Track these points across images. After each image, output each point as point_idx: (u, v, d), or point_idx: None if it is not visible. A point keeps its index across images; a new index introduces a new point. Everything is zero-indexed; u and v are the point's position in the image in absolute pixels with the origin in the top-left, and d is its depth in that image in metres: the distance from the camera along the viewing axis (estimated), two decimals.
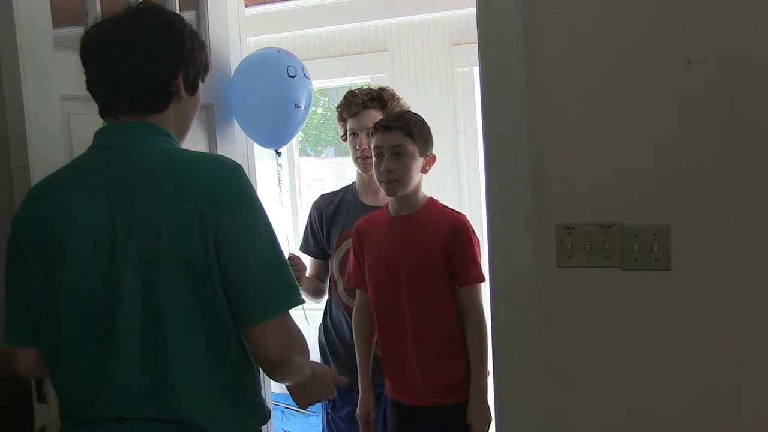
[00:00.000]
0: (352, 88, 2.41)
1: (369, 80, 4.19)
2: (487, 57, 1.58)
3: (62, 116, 1.59)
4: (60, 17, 1.63)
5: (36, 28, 1.53)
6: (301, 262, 2.37)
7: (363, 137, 2.30)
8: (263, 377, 1.45)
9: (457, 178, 3.99)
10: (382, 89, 2.38)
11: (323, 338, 2.44)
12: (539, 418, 1.61)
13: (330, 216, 2.41)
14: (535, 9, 1.52)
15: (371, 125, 2.25)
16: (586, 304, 1.56)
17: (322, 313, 2.47)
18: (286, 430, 4.22)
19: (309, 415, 4.35)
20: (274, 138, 2.30)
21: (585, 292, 1.56)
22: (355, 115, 2.33)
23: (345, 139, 2.42)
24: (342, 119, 2.41)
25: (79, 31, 1.76)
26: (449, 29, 4.06)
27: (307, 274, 2.43)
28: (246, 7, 2.43)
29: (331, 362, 2.39)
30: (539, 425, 1.61)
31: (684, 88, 1.45)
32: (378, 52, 4.29)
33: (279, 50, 2.31)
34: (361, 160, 2.32)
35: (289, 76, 2.21)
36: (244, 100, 2.20)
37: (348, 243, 2.31)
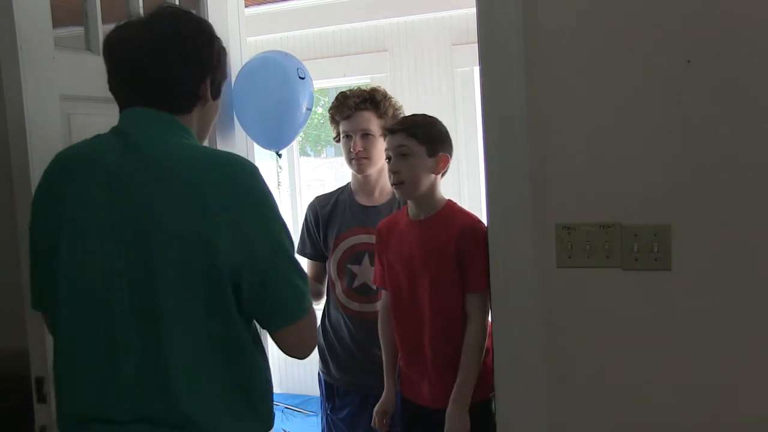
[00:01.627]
0: (344, 90, 2.40)
1: (369, 80, 4.19)
2: (487, 57, 1.57)
3: (62, 116, 1.59)
4: (60, 17, 1.63)
5: (36, 28, 1.53)
6: None
7: (357, 139, 2.28)
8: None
9: (457, 178, 3.99)
10: (374, 90, 2.36)
11: (322, 340, 2.43)
12: (539, 418, 1.61)
13: (326, 217, 2.40)
14: (535, 9, 1.52)
15: (365, 127, 2.25)
16: (586, 304, 1.56)
17: (320, 314, 2.48)
18: (286, 430, 4.22)
19: (309, 415, 4.36)
20: (277, 140, 2.31)
21: (585, 292, 1.56)
22: (348, 117, 2.32)
23: (338, 141, 2.41)
24: (335, 121, 2.39)
25: (79, 31, 1.76)
26: (449, 29, 4.06)
27: None
28: (246, 7, 2.43)
29: (330, 364, 2.39)
30: (539, 425, 1.61)
31: (684, 88, 1.45)
32: (378, 52, 4.29)
33: (283, 53, 2.32)
34: (356, 161, 2.30)
35: (300, 78, 2.23)
36: (253, 103, 2.20)
37: (345, 243, 2.30)
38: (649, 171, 1.49)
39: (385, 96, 2.34)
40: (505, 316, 1.61)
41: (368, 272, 2.26)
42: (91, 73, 1.72)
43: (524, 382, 1.61)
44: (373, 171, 2.33)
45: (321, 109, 5.53)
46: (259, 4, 4.23)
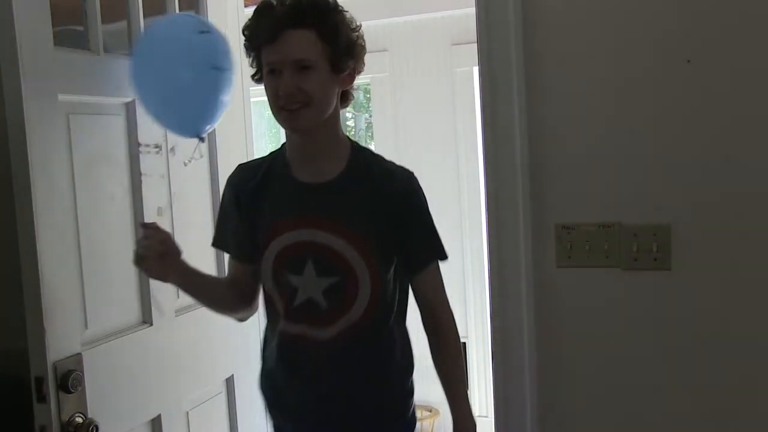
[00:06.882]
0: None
1: (369, 80, 4.19)
2: (486, 57, 1.57)
3: (62, 116, 1.59)
4: (60, 16, 1.63)
5: (36, 27, 1.53)
6: (164, 235, 1.51)
7: (287, 74, 1.42)
8: None
9: (456, 178, 3.99)
10: None
11: (266, 384, 1.68)
12: (537, 418, 1.61)
13: (250, 198, 1.58)
14: (535, 8, 1.52)
15: (298, 54, 1.41)
16: (586, 304, 1.56)
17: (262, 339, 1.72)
18: None
19: None
20: (193, 119, 1.69)
21: (585, 292, 1.56)
22: (273, 40, 1.43)
23: (260, 80, 1.50)
24: (253, 49, 1.49)
25: (79, 30, 1.76)
26: (449, 29, 4.05)
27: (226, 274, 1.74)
28: (246, 6, 2.42)
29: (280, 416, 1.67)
30: (538, 427, 1.61)
31: (684, 88, 1.45)
32: (378, 52, 4.28)
33: (188, 14, 1.89)
34: (285, 111, 1.45)
35: (201, 32, 1.66)
36: (145, 77, 1.64)
37: (278, 242, 1.53)
38: (649, 171, 1.49)
39: (334, 7, 1.50)
40: (504, 315, 1.61)
41: (312, 284, 1.52)
42: (91, 73, 1.72)
43: (522, 381, 1.60)
44: (314, 124, 1.49)
45: None
46: None
